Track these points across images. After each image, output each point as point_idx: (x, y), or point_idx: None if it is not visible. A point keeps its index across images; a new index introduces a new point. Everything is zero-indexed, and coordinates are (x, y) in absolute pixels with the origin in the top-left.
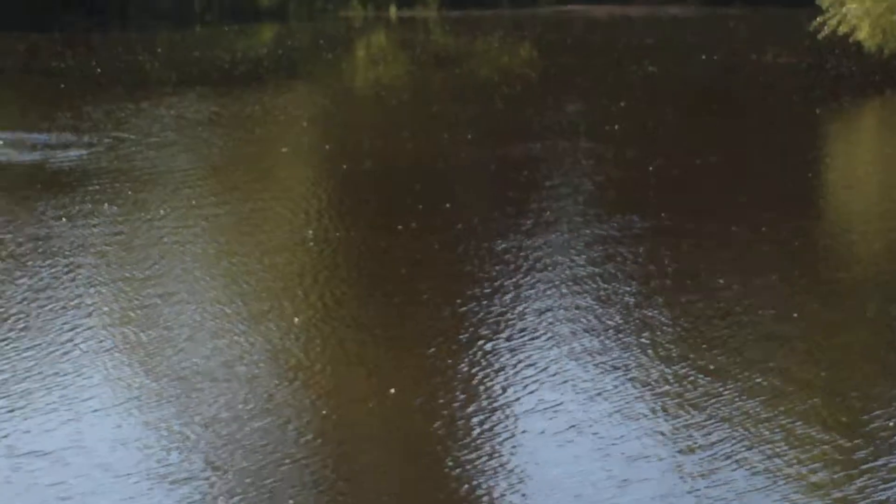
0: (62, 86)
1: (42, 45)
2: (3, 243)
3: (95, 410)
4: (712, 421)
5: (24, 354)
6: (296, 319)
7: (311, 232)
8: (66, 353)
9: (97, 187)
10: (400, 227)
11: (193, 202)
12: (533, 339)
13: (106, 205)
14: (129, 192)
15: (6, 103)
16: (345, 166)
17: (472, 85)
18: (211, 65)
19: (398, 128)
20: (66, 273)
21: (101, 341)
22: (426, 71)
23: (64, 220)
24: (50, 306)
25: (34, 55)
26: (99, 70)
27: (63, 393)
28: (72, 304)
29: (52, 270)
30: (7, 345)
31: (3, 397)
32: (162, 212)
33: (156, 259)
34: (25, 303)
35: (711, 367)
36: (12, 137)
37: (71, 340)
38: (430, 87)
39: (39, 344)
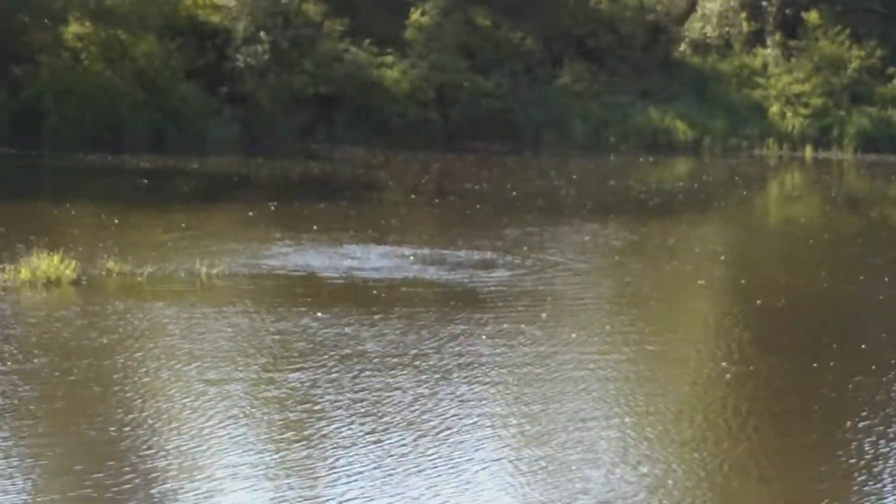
0: (477, 206)
1: (457, 166)
2: (428, 359)
3: None
4: None
5: (438, 464)
6: (717, 451)
7: (724, 364)
8: (479, 469)
9: (517, 309)
10: (815, 364)
11: (609, 328)
12: None
13: (523, 325)
14: (546, 316)
15: (422, 221)
16: (759, 302)
17: (888, 229)
18: (626, 194)
19: (813, 266)
20: (488, 390)
21: (516, 460)
22: (841, 212)
23: (485, 338)
24: (471, 421)
25: (448, 176)
26: (514, 193)
27: None
28: (491, 420)
29: (473, 387)
30: (423, 453)
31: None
32: (578, 336)
33: (574, 382)
34: (446, 417)
35: None
36: (430, 254)
37: (488, 457)
38: (845, 229)
39: (456, 455)
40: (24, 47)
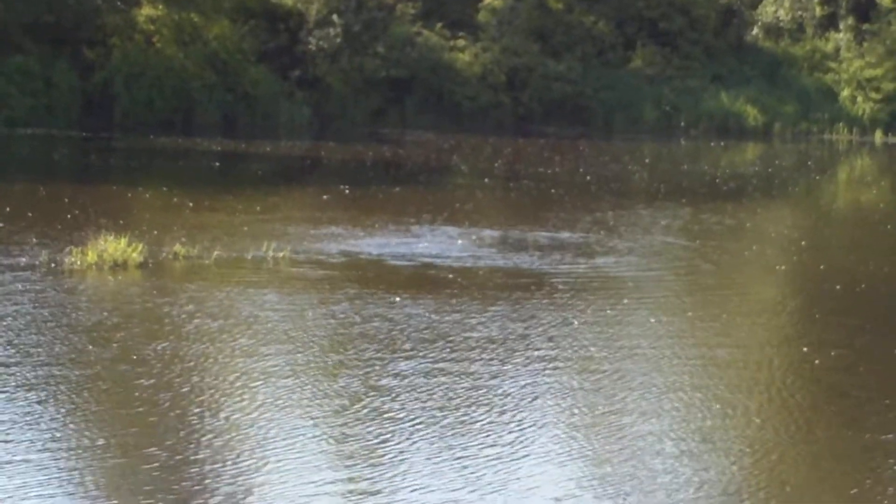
0: (552, 191)
1: (528, 150)
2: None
3: None
4: None
5: (558, 451)
6: (801, 433)
7: (806, 350)
8: (586, 459)
9: (601, 295)
10: None
11: (700, 314)
12: None
13: (608, 311)
14: (636, 302)
15: (497, 205)
16: (839, 287)
17: None
18: (700, 179)
19: (890, 251)
20: (595, 378)
21: (622, 448)
22: None
23: (577, 324)
24: (581, 411)
25: (521, 160)
26: (588, 177)
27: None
28: (599, 408)
29: (583, 375)
30: (540, 442)
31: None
32: (669, 322)
33: (683, 368)
34: (560, 409)
35: None
36: (510, 238)
37: (602, 448)
38: None
39: (570, 442)
40: (97, 30)
